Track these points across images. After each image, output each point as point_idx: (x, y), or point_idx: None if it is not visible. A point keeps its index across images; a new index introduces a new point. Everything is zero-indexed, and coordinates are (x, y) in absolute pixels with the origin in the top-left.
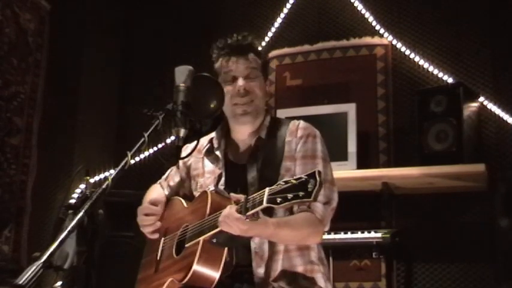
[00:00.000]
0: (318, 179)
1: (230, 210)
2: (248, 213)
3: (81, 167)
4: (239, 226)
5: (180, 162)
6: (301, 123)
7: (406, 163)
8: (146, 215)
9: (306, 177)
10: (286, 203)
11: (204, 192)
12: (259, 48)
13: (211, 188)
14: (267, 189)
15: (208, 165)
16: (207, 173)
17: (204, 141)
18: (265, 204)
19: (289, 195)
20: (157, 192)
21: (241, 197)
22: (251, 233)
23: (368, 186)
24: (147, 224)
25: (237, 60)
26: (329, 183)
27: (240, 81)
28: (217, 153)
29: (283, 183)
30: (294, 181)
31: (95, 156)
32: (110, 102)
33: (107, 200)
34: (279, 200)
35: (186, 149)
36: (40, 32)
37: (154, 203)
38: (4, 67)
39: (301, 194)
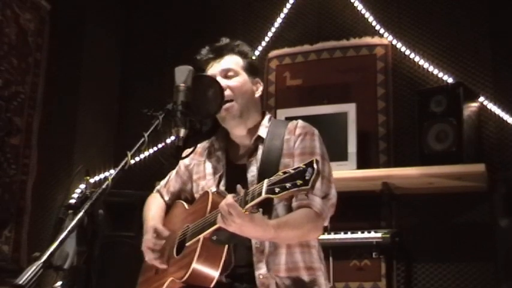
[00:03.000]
0: (315, 167)
1: (228, 198)
2: (247, 206)
3: (81, 167)
4: (234, 218)
5: (182, 165)
6: (300, 122)
7: (406, 163)
8: (151, 249)
9: (303, 166)
10: (285, 192)
11: (205, 193)
12: (243, 49)
13: (213, 189)
14: (265, 181)
15: (210, 167)
16: (208, 175)
17: (205, 144)
18: (263, 195)
19: (288, 185)
20: (156, 205)
21: (240, 190)
22: (249, 232)
23: (368, 186)
24: (154, 258)
25: (215, 63)
26: (326, 179)
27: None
28: (218, 154)
29: (282, 173)
30: (292, 171)
31: (95, 156)
32: (110, 102)
33: (107, 200)
34: (277, 190)
35: (187, 153)
36: (40, 32)
37: (157, 232)
38: (4, 67)
39: (299, 182)
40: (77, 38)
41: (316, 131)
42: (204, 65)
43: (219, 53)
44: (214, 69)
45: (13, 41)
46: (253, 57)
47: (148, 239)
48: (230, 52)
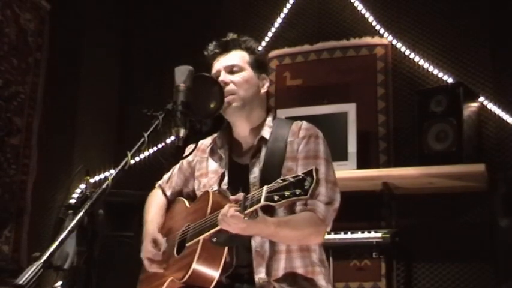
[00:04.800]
0: (314, 176)
1: (228, 208)
2: (246, 211)
3: (81, 167)
4: (238, 224)
5: (185, 162)
6: (304, 123)
7: (406, 163)
8: (151, 260)
9: (303, 175)
10: (284, 201)
11: (206, 192)
12: (251, 45)
13: (215, 187)
14: (265, 188)
15: (212, 165)
16: (210, 173)
17: (208, 141)
18: (262, 202)
19: (286, 193)
20: (157, 203)
21: (240, 195)
22: (250, 231)
23: (368, 186)
24: (155, 267)
25: (221, 58)
26: (331, 183)
27: (221, 76)
28: (221, 152)
29: (281, 181)
30: (292, 179)
31: (95, 156)
32: (110, 102)
33: (107, 200)
34: (276, 197)
35: (190, 149)
36: (40, 32)
37: (155, 242)
38: (4, 67)
39: (297, 191)
40: (77, 38)
41: (320, 133)
42: (211, 59)
43: (225, 48)
44: (219, 64)
45: (13, 41)
46: (260, 53)
47: (147, 250)
48: (237, 47)
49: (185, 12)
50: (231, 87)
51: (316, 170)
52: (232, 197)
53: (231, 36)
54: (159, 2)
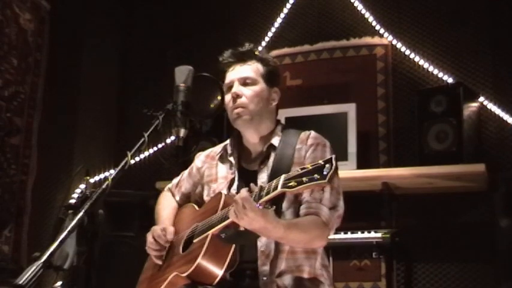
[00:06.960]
0: (333, 163)
1: (243, 192)
2: (261, 200)
3: (81, 167)
4: (247, 213)
5: (194, 167)
6: (312, 133)
7: (406, 163)
8: (155, 239)
9: (322, 162)
10: (301, 186)
11: (219, 193)
12: (266, 57)
13: (224, 192)
14: (282, 176)
15: (222, 170)
16: (220, 179)
17: (218, 148)
18: (280, 188)
19: (305, 179)
20: (169, 204)
21: (254, 188)
22: (257, 225)
23: (368, 186)
24: (153, 249)
25: (235, 68)
26: (336, 191)
27: (234, 87)
28: (231, 159)
29: (300, 169)
30: (310, 167)
31: (95, 156)
32: (110, 102)
33: (107, 200)
34: (293, 183)
35: (200, 157)
36: (40, 32)
37: (165, 229)
38: (4, 67)
39: (316, 176)
40: (77, 38)
41: (327, 143)
42: (225, 67)
43: (240, 58)
44: (233, 75)
45: (13, 41)
46: (275, 65)
47: (154, 230)
48: (252, 58)
49: (185, 12)
50: (242, 100)
51: (336, 158)
52: (252, 184)
53: (247, 46)
54: (159, 2)
